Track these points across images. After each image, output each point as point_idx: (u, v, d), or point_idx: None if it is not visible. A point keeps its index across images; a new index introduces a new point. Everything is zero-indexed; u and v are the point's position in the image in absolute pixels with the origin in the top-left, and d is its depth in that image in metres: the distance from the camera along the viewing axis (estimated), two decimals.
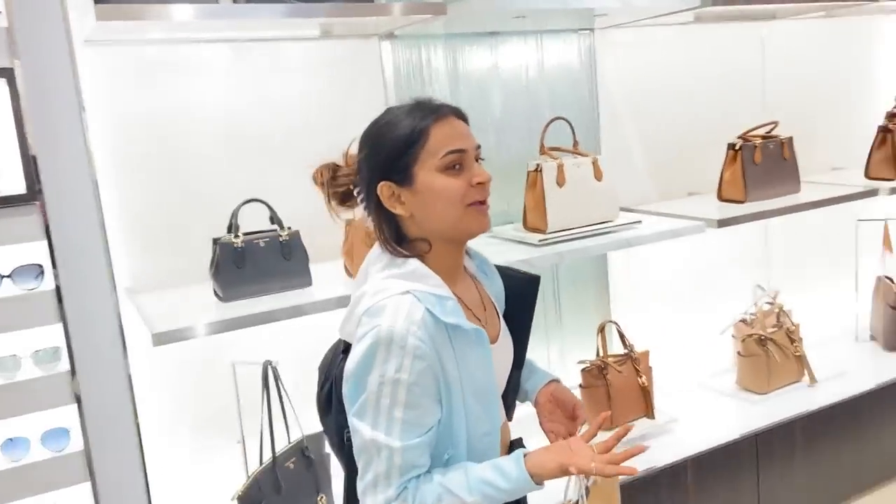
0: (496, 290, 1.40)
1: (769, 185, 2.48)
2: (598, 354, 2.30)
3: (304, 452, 1.92)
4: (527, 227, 2.26)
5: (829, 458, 2.45)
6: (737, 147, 2.47)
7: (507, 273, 1.44)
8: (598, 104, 2.62)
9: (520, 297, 1.39)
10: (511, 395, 1.41)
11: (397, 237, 1.23)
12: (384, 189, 1.20)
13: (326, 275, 1.95)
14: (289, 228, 1.87)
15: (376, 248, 1.26)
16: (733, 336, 2.69)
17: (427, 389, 1.14)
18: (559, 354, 2.67)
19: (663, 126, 2.76)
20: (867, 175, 2.75)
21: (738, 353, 2.51)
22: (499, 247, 2.21)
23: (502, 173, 2.49)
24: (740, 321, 2.67)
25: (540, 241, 2.12)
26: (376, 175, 1.20)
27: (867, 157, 2.77)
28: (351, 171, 1.29)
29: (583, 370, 2.27)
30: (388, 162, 1.19)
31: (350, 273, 1.93)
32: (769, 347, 2.46)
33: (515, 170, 2.51)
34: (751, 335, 2.48)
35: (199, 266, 1.91)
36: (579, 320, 2.69)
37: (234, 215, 1.82)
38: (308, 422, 1.94)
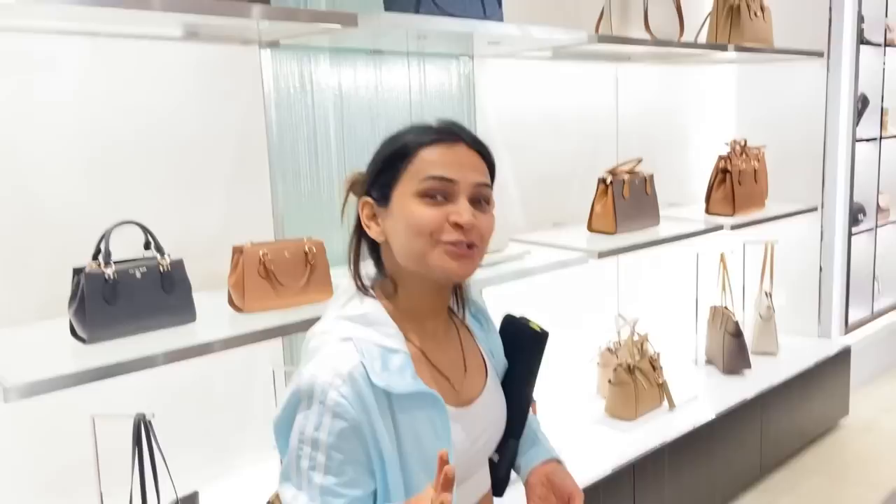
0: (493, 343, 1.24)
1: (635, 218, 2.60)
2: None
3: None
4: None
5: (693, 478, 2.59)
6: (608, 182, 2.56)
7: (511, 323, 1.26)
8: (477, 132, 2.58)
9: (520, 353, 1.22)
10: (503, 467, 1.22)
11: (377, 266, 1.12)
12: (365, 206, 1.08)
13: (208, 309, 1.70)
14: (169, 256, 1.60)
15: (347, 281, 1.12)
16: (598, 364, 2.77)
17: (351, 455, 0.97)
18: None
19: (531, 157, 2.80)
20: (707, 211, 2.98)
21: (609, 381, 2.58)
22: None
23: None
24: (606, 349, 2.75)
25: None
26: (363, 190, 1.09)
27: (707, 194, 3.01)
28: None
29: None
30: (373, 176, 1.08)
31: (237, 307, 1.70)
32: (637, 375, 2.56)
33: None
34: (620, 364, 2.56)
35: (37, 300, 1.58)
36: None
37: (105, 240, 1.52)
38: (184, 481, 1.67)
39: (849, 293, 3.59)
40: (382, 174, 1.06)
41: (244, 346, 1.58)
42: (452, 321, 1.19)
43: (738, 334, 2.98)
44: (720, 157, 3.00)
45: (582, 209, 2.78)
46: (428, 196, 1.03)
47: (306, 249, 1.76)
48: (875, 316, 3.90)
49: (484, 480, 1.19)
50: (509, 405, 1.19)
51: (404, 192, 1.04)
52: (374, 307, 1.06)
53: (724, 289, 3.11)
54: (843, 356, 3.34)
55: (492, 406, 1.16)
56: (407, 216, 1.03)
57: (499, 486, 1.23)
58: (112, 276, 1.50)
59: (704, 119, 3.51)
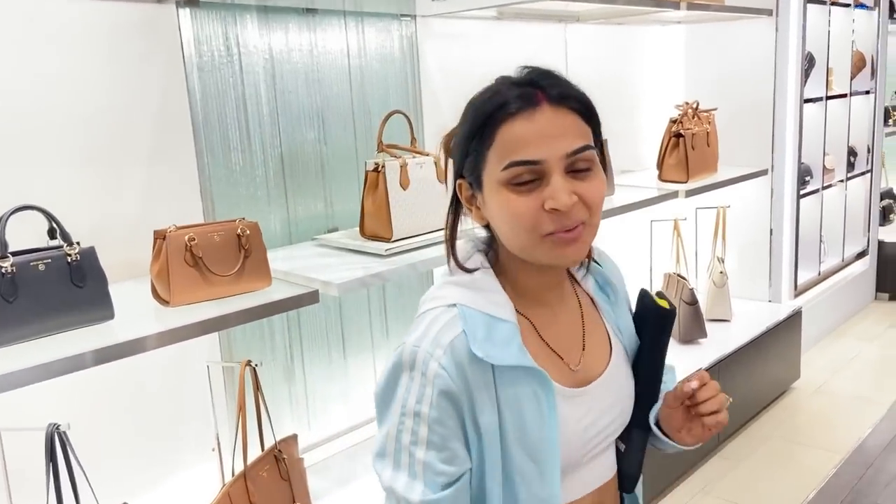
0: (622, 318, 1.10)
1: None
2: None
3: None
4: (365, 234, 1.98)
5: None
6: None
7: (641, 299, 1.13)
8: (422, 98, 2.42)
9: (648, 331, 1.08)
10: (632, 460, 1.09)
11: (489, 238, 1.00)
12: (462, 186, 0.97)
13: (128, 302, 1.51)
14: (78, 244, 1.40)
15: (462, 243, 1.01)
16: None
17: (454, 430, 0.90)
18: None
19: None
20: (661, 178, 2.89)
21: None
22: (333, 258, 1.91)
23: (325, 170, 2.19)
24: None
25: (387, 250, 1.86)
26: (456, 168, 0.97)
27: (659, 160, 2.91)
28: None
29: None
30: (462, 156, 0.95)
31: (162, 299, 1.51)
32: None
33: (340, 166, 2.23)
34: None
35: None
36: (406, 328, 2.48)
37: (0, 228, 1.31)
38: (115, 493, 1.49)
39: (797, 256, 3.58)
40: (469, 156, 0.94)
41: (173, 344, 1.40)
42: (575, 292, 1.07)
43: (693, 302, 2.92)
44: (672, 121, 2.91)
45: None
46: (516, 185, 0.90)
47: (239, 232, 1.57)
48: (822, 277, 3.92)
49: (607, 470, 1.07)
50: (637, 388, 1.08)
51: (492, 178, 0.91)
52: (483, 272, 0.97)
53: (678, 256, 3.04)
54: (795, 320, 3.33)
55: (615, 388, 1.04)
56: (501, 209, 0.91)
57: (626, 482, 1.10)
58: (10, 270, 1.29)
59: (654, 82, 3.41)
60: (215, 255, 1.54)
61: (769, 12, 3.21)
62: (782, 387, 3.35)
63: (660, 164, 2.90)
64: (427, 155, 2.02)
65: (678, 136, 2.85)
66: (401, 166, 1.93)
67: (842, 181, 4.06)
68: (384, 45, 2.31)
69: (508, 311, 0.95)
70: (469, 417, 0.90)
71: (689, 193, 2.76)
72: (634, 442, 1.09)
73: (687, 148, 2.83)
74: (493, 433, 0.91)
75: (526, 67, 0.96)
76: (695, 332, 2.94)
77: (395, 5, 2.27)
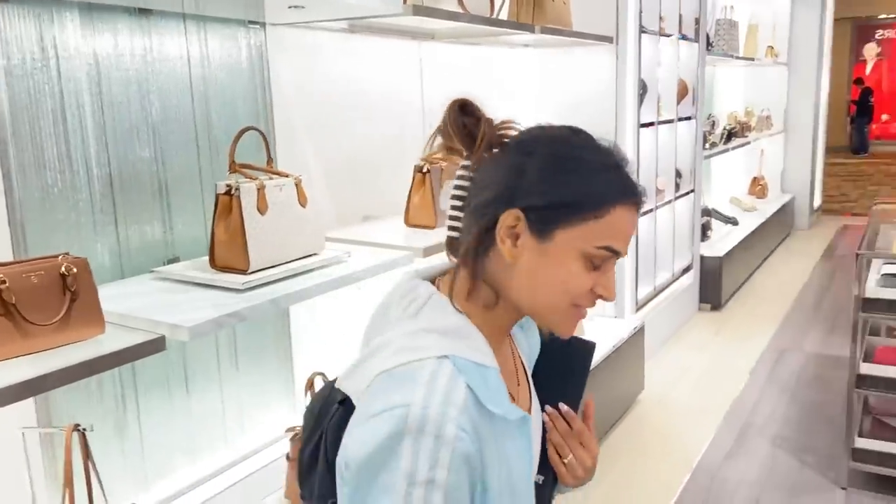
0: (531, 347, 1.12)
1: None
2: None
3: None
4: (216, 265, 1.75)
5: None
6: (424, 170, 2.33)
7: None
8: (274, 114, 2.22)
9: (560, 363, 1.11)
10: (547, 490, 1.09)
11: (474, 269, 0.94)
12: (510, 217, 0.89)
13: None
14: None
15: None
16: None
17: (467, 495, 0.83)
18: (237, 414, 2.18)
19: (336, 143, 2.49)
20: None
21: None
22: (178, 294, 1.66)
23: (163, 192, 1.93)
24: None
25: (244, 284, 1.64)
26: (515, 195, 0.89)
27: None
28: (487, 130, 0.94)
29: (293, 439, 1.86)
30: (544, 197, 0.88)
31: None
32: None
33: (181, 187, 1.97)
34: None
35: None
36: (260, 372, 2.25)
37: None
38: None
39: (637, 272, 3.74)
40: (559, 207, 0.88)
41: None
42: None
43: None
44: None
45: (393, 201, 2.53)
46: (592, 262, 0.90)
47: (63, 270, 1.30)
48: (657, 292, 4.13)
49: None
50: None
51: (574, 244, 0.89)
52: (459, 317, 0.91)
53: None
54: (639, 334, 3.46)
55: (537, 419, 1.05)
56: (559, 270, 0.90)
57: None
58: None
59: (506, 104, 3.42)
60: (33, 301, 1.25)
61: (610, 39, 3.34)
62: (629, 401, 3.46)
63: None
64: (286, 176, 1.83)
65: None
66: (257, 189, 1.73)
67: (670, 201, 4.32)
68: (230, 55, 2.09)
69: (490, 357, 0.90)
70: (479, 478, 0.85)
71: None
72: (549, 473, 1.09)
73: None
74: (496, 488, 0.87)
75: (622, 157, 0.95)
76: None
77: (242, 10, 2.06)
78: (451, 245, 0.97)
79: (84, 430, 1.39)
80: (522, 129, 0.97)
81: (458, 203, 0.95)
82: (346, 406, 0.91)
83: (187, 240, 2.00)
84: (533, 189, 0.89)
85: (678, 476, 2.86)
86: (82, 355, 1.27)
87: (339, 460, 0.86)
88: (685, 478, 2.85)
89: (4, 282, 1.21)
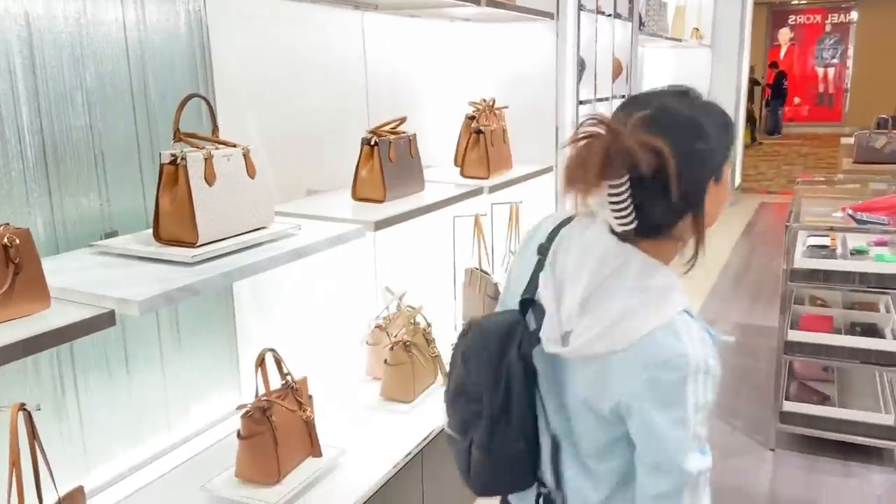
0: None
1: (403, 183, 2.38)
2: (256, 393, 1.87)
3: None
4: (161, 238, 1.68)
5: None
6: (372, 142, 2.29)
7: None
8: (214, 83, 2.13)
9: None
10: None
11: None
12: (719, 191, 1.15)
13: None
14: None
15: (604, 239, 1.10)
16: (368, 343, 2.53)
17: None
18: (181, 394, 2.11)
19: (279, 113, 2.42)
20: (463, 174, 2.88)
21: (386, 361, 2.35)
22: (121, 269, 1.59)
23: (99, 162, 1.83)
24: (376, 327, 2.52)
25: (193, 257, 1.59)
26: (712, 169, 1.11)
27: (460, 156, 2.89)
28: (633, 143, 1.01)
29: (244, 416, 1.81)
30: (723, 153, 1.12)
31: None
32: (413, 352, 2.37)
33: (118, 157, 1.89)
34: (397, 342, 2.35)
35: None
36: (204, 350, 2.18)
37: None
38: None
39: None
40: (727, 155, 1.13)
41: None
42: None
43: (496, 296, 2.94)
44: (469, 117, 2.91)
45: (337, 174, 2.49)
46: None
47: (6, 241, 1.22)
48: None
49: None
50: None
51: (726, 172, 1.15)
52: (674, 276, 1.13)
53: (479, 252, 3.05)
54: None
55: None
56: (724, 194, 1.16)
57: None
58: None
59: (447, 78, 3.40)
60: None
61: (551, 15, 3.35)
62: None
63: (461, 160, 2.88)
64: (234, 146, 1.77)
65: (479, 132, 2.85)
66: (205, 158, 1.66)
67: None
68: (168, 19, 1.99)
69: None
70: None
71: (492, 189, 2.77)
72: None
73: (487, 144, 2.84)
74: None
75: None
76: None
77: None
78: (642, 229, 1.08)
79: (29, 410, 1.31)
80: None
81: (625, 202, 1.05)
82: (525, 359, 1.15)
83: (126, 212, 1.91)
84: (716, 156, 1.10)
85: None
86: (29, 330, 1.20)
87: (620, 401, 1.07)
88: None
89: None
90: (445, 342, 2.87)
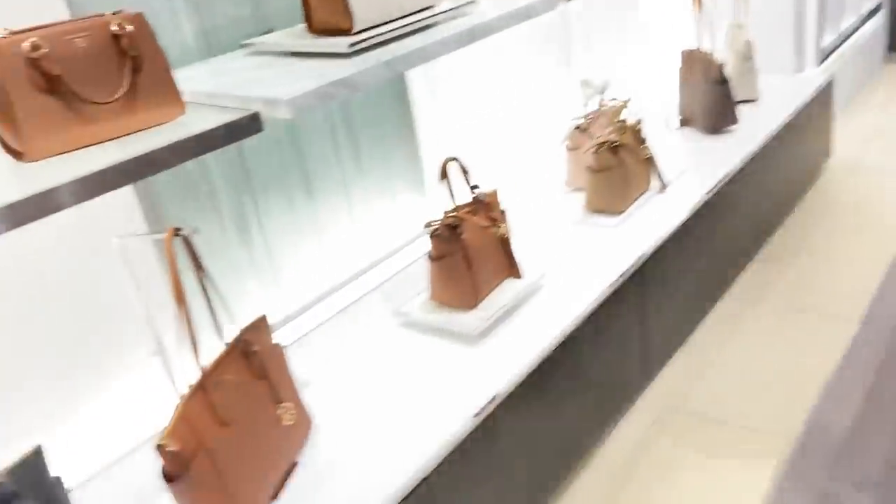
0: None
1: None
2: (443, 209, 1.61)
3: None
4: (314, 29, 1.40)
5: (696, 263, 2.14)
6: None
7: None
8: None
9: None
10: None
11: None
12: None
13: None
14: None
15: None
16: (567, 148, 2.17)
17: None
18: (366, 211, 1.93)
19: None
20: None
21: (589, 168, 1.99)
22: (274, 68, 1.34)
23: None
24: (575, 128, 2.14)
25: (351, 46, 1.29)
26: None
27: None
28: None
29: (433, 235, 1.58)
30: None
31: (14, 151, 0.95)
32: (622, 155, 1.98)
33: None
34: (602, 143, 1.96)
35: None
36: (385, 163, 1.96)
37: None
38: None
39: (822, 17, 3.04)
40: None
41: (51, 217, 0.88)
42: None
43: (723, 81, 2.40)
44: None
45: None
46: None
47: (115, 29, 0.99)
48: (841, 40, 3.41)
49: None
50: None
51: None
52: None
53: (699, 28, 2.47)
54: (826, 92, 2.86)
55: None
56: None
57: None
58: None
59: None
60: (84, 72, 0.96)
61: None
62: (815, 170, 2.94)
63: None
64: None
65: None
66: None
67: None
68: None
69: None
70: None
71: None
72: None
73: None
74: None
75: None
76: (725, 118, 2.45)
77: None
78: None
79: (187, 234, 1.15)
80: None
81: None
82: None
83: (282, 9, 1.65)
84: None
85: (881, 253, 2.42)
86: (160, 140, 0.99)
87: None
88: (891, 252, 2.41)
89: (39, 46, 0.92)
90: (660, 142, 2.44)
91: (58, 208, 0.87)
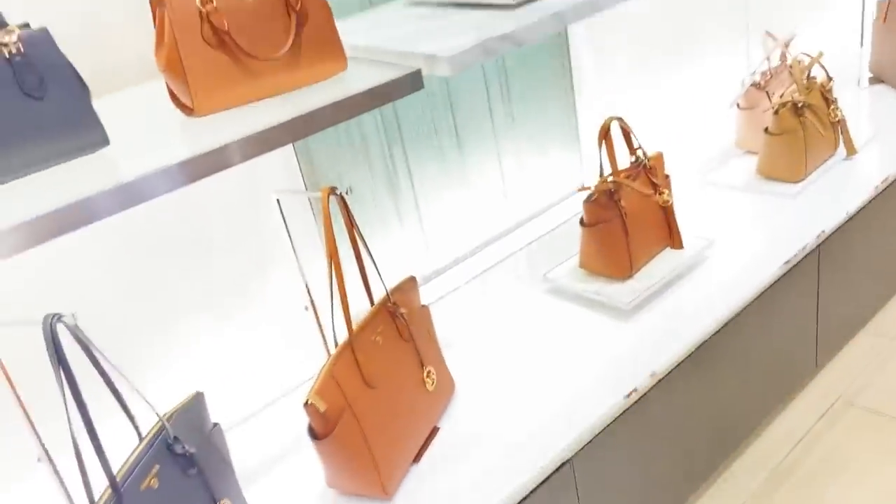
0: None
1: None
2: (601, 172, 1.51)
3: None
4: None
5: (888, 247, 1.91)
6: None
7: None
8: None
9: None
10: None
11: None
12: None
13: (135, 116, 0.98)
14: (26, 27, 0.84)
15: None
16: (741, 108, 1.98)
17: None
18: (517, 167, 1.86)
19: None
20: None
21: (767, 130, 1.80)
22: (435, 21, 1.27)
23: None
24: (752, 86, 1.94)
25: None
26: None
27: None
28: None
29: (587, 200, 1.49)
30: None
31: (184, 105, 0.96)
32: (807, 117, 1.77)
33: None
34: (784, 103, 1.76)
35: None
36: (540, 119, 1.87)
37: None
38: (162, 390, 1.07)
39: None
40: None
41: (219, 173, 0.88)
42: None
43: None
44: None
45: None
46: None
47: None
48: None
49: None
50: None
51: None
52: None
53: None
54: None
55: None
56: None
57: None
58: None
59: None
60: (251, 28, 0.95)
61: None
62: None
63: None
64: None
65: None
66: None
67: None
68: None
69: None
70: None
71: None
72: None
73: None
74: None
75: None
76: None
77: None
78: None
79: (343, 193, 1.13)
80: None
81: None
82: None
83: None
84: None
85: None
86: (325, 97, 0.96)
87: None
88: None
89: (209, 1, 0.90)
90: (849, 102, 2.17)
91: (226, 165, 0.87)
